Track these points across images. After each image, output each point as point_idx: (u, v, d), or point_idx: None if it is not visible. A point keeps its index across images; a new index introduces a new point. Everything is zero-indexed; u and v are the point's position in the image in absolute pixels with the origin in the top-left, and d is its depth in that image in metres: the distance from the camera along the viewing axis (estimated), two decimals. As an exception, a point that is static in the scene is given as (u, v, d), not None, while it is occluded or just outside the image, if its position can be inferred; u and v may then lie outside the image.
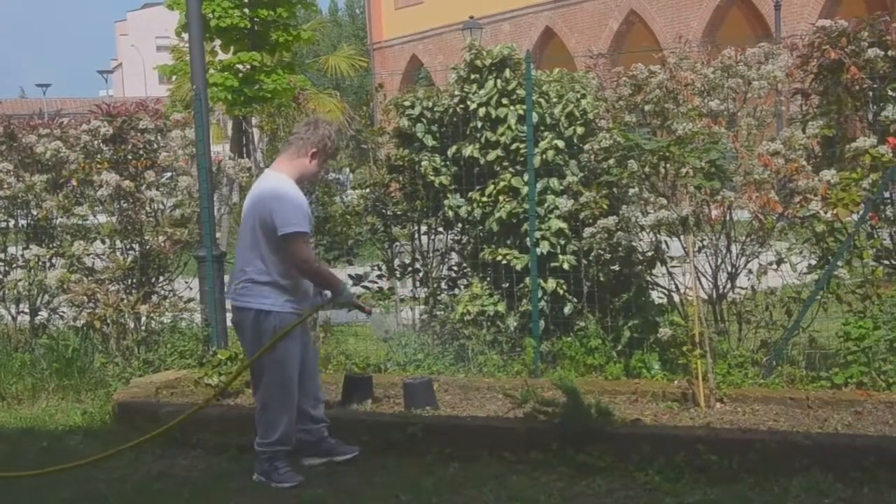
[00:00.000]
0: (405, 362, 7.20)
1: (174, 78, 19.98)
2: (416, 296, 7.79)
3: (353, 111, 19.41)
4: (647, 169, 6.37)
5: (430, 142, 7.42)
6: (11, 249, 8.62)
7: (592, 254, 6.78)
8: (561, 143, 6.94)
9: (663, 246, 6.70)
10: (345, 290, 5.18)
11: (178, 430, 5.76)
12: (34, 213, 8.48)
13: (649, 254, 6.75)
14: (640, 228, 6.58)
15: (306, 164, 5.13)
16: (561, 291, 6.92)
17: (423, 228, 7.77)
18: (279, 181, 5.12)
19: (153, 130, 8.30)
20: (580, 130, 6.98)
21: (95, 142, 8.20)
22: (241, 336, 5.33)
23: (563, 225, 6.87)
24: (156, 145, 8.34)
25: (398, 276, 7.89)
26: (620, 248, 6.63)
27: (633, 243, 6.66)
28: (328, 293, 5.27)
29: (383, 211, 7.83)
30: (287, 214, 4.95)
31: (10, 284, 8.32)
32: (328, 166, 5.29)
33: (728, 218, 6.64)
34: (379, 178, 7.80)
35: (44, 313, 8.47)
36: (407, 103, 7.52)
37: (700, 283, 6.52)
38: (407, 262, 7.87)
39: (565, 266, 6.87)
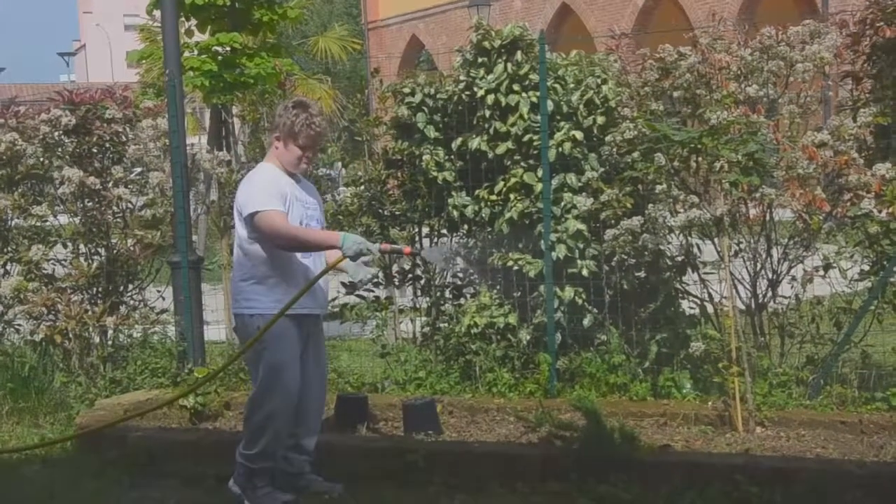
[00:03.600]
0: (404, 381, 7.19)
1: (144, 62, 19.98)
2: (417, 306, 7.79)
3: (345, 99, 19.37)
4: (676, 163, 6.36)
5: (432, 133, 7.42)
6: (-39, 255, 8.61)
7: (615, 259, 6.77)
8: (579, 135, 6.94)
9: (695, 250, 6.69)
10: (347, 238, 5.01)
11: (148, 459, 5.75)
12: (-14, 213, 8.47)
13: (679, 259, 6.75)
14: (668, 230, 6.58)
15: (276, 150, 5.34)
16: (580, 301, 6.92)
17: (425, 230, 7.76)
18: (254, 170, 5.43)
19: (121, 120, 8.29)
20: (601, 120, 6.98)
21: (56, 133, 8.18)
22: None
23: (582, 226, 6.86)
24: (124, 137, 8.32)
25: (396, 283, 7.88)
26: (646, 253, 6.63)
27: (661, 247, 6.66)
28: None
29: (380, 211, 7.83)
30: (250, 196, 5.17)
31: (-40, 294, 8.30)
32: (309, 149, 5.27)
33: (768, 218, 6.64)
34: (375, 174, 7.80)
35: (-3, 326, 8.46)
36: (406, 90, 7.52)
37: (737, 291, 6.50)
38: (406, 268, 7.87)
39: (584, 272, 6.86)
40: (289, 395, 5.21)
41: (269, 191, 5.15)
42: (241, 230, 5.24)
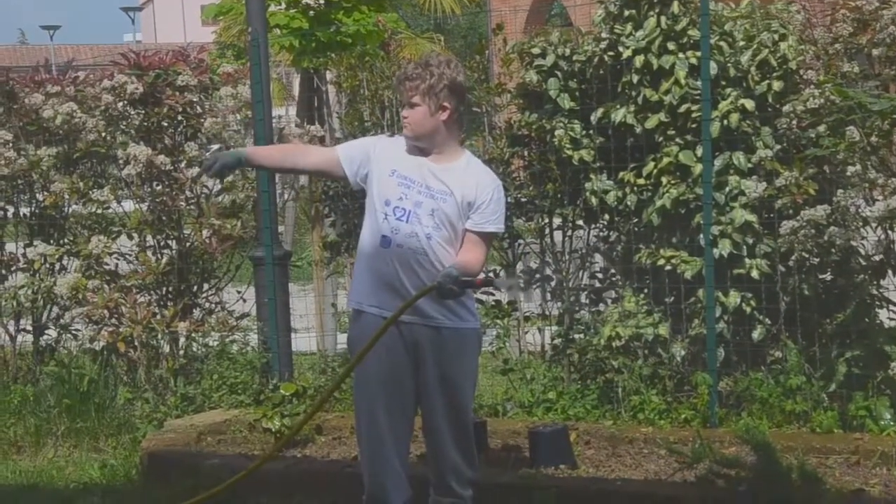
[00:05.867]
0: (531, 403, 7.22)
1: (222, 18, 20.37)
2: (547, 313, 7.80)
3: (461, 62, 19.40)
4: (874, 138, 6.25)
5: (566, 103, 7.42)
6: (10, 246, 8.90)
7: (793, 257, 6.68)
8: (749, 104, 6.87)
9: (896, 247, 6.56)
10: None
11: (228, 493, 5.85)
12: (40, 198, 8.74)
13: (877, 258, 6.63)
14: (862, 222, 6.48)
15: None
16: (748, 309, 6.86)
17: (557, 221, 7.76)
18: None
19: (196, 88, 8.45)
20: (777, 85, 6.90)
21: (120, 103, 8.36)
22: None
23: (752, 217, 6.81)
24: (199, 108, 8.50)
25: (521, 285, 7.89)
26: (834, 250, 6.54)
27: (853, 243, 6.56)
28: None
29: (502, 197, 7.84)
30: None
31: (9, 294, 8.57)
32: (404, 105, 5.18)
33: None
34: (496, 153, 7.83)
35: (52, 332, 8.72)
36: (535, 51, 7.54)
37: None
38: (534, 266, 7.87)
39: (754, 274, 6.80)
40: (373, 419, 5.12)
41: (359, 141, 5.41)
42: None
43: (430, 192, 5.05)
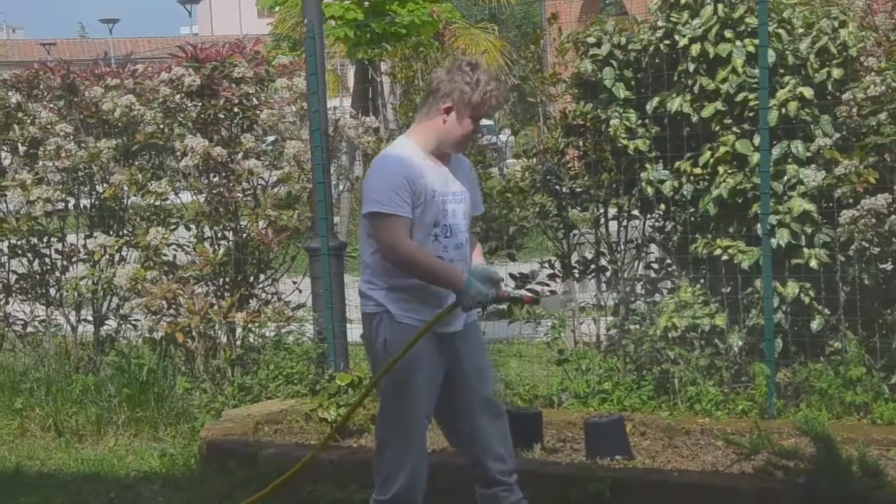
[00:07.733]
0: (587, 394, 7.19)
1: (277, 10, 20.48)
2: (602, 303, 7.78)
3: (515, 52, 19.46)
4: (935, 126, 6.15)
5: (621, 92, 7.38)
6: (71, 238, 9.01)
7: (853, 247, 6.64)
8: (808, 92, 6.81)
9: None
10: (470, 285, 4.96)
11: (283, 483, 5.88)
12: (99, 190, 8.84)
13: (938, 247, 6.53)
14: (924, 211, 6.37)
15: (439, 124, 5.09)
16: (806, 299, 6.80)
17: (612, 211, 7.72)
18: (387, 149, 5.33)
19: (252, 80, 8.49)
20: (837, 73, 6.84)
21: (177, 96, 8.42)
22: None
23: (810, 206, 6.74)
24: (255, 100, 8.53)
25: (577, 276, 7.86)
26: (895, 239, 6.44)
27: (915, 232, 6.45)
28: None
29: (557, 187, 7.82)
30: (371, 191, 5.03)
31: (70, 284, 8.68)
32: (480, 124, 5.11)
33: None
34: (551, 143, 7.80)
35: (112, 322, 8.83)
36: (591, 40, 7.51)
37: None
38: (589, 256, 7.84)
39: (813, 264, 6.74)
40: (420, 418, 5.13)
41: (397, 185, 4.96)
42: (362, 221, 5.15)
43: (456, 197, 5.13)
